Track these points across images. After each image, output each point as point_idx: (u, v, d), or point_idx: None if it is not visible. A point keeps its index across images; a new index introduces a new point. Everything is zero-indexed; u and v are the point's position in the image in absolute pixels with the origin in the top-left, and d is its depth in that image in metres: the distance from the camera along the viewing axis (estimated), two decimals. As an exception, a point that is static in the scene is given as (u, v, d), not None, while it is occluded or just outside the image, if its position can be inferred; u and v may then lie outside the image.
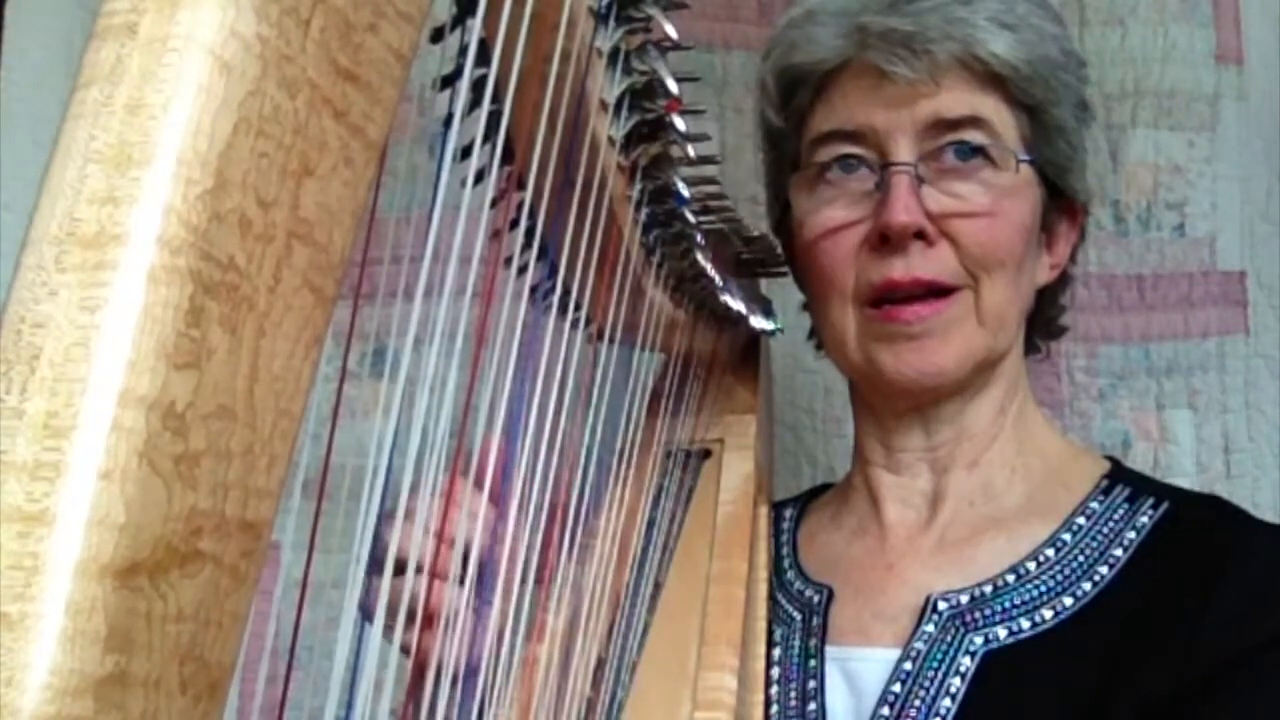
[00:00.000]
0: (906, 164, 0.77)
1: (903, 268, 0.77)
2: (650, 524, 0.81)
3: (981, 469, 0.83)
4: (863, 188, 0.79)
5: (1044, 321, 0.90)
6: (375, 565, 0.46)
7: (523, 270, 0.60)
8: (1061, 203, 0.84)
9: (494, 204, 0.53)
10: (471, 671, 0.58)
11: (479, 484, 0.61)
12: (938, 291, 0.78)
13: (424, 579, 0.60)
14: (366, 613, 0.46)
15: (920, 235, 0.77)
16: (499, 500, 0.62)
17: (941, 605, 0.76)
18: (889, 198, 0.77)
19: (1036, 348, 0.91)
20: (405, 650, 0.55)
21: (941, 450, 0.84)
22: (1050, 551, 0.78)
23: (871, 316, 0.79)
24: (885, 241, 0.77)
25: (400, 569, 0.54)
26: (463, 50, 0.47)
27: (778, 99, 0.85)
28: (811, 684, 0.78)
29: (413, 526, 0.55)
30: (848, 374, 0.87)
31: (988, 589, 0.77)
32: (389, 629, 0.53)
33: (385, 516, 0.47)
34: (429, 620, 0.59)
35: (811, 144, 0.83)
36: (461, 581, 0.62)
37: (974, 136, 0.78)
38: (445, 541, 0.62)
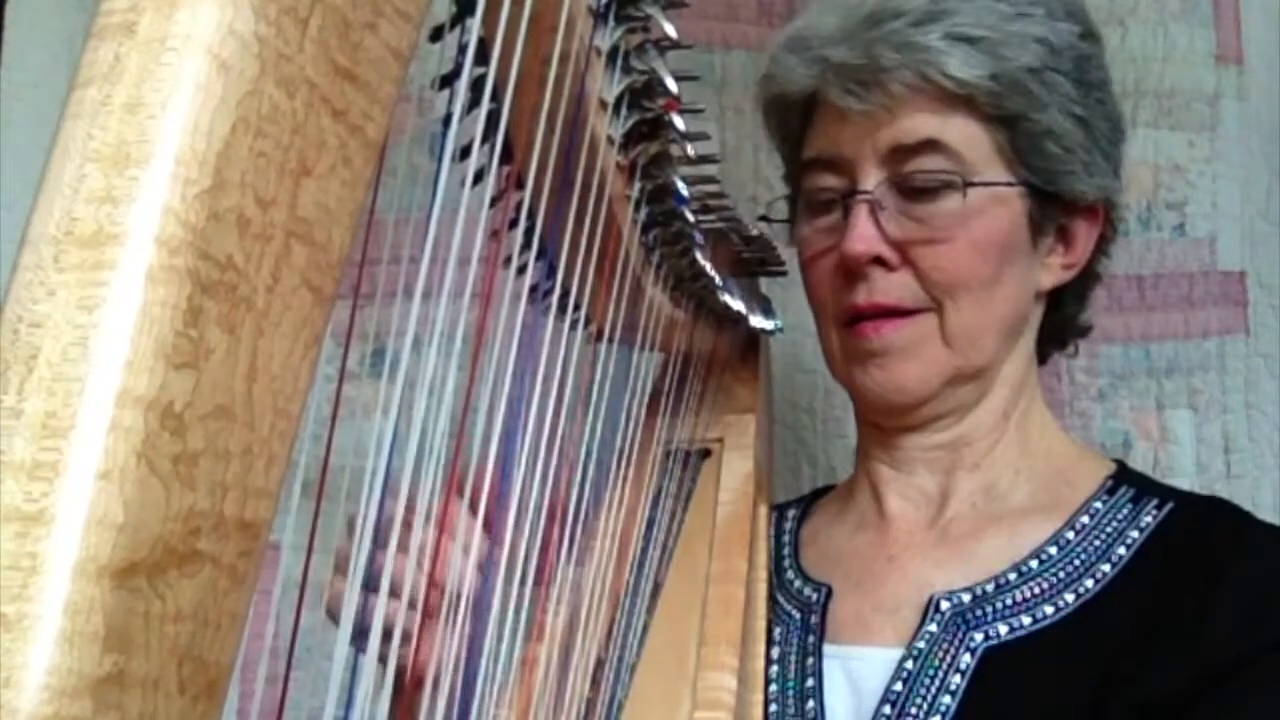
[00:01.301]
0: (865, 192, 0.79)
1: (865, 294, 0.80)
2: (650, 524, 0.81)
3: (984, 470, 0.83)
4: (835, 215, 0.82)
5: (1061, 320, 0.88)
6: (369, 584, 0.46)
7: (522, 270, 0.60)
8: (1069, 204, 0.83)
9: (493, 204, 0.53)
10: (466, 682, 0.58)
11: (474, 508, 0.60)
12: (901, 312, 0.80)
13: (414, 612, 0.60)
14: (333, 616, 0.46)
15: (881, 261, 0.79)
16: (494, 522, 0.61)
17: (944, 605, 0.76)
18: (847, 226, 0.79)
19: (1062, 344, 0.90)
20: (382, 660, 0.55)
21: (942, 453, 0.84)
22: (1053, 549, 0.78)
23: (846, 335, 0.82)
24: (849, 268, 0.79)
25: (395, 593, 0.54)
26: (462, 49, 0.47)
27: (773, 124, 0.89)
28: (810, 683, 0.77)
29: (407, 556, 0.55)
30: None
31: (989, 586, 0.77)
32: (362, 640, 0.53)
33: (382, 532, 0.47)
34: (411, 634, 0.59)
35: (802, 168, 0.85)
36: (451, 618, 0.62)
37: (931, 162, 0.78)
38: (436, 586, 0.62)
